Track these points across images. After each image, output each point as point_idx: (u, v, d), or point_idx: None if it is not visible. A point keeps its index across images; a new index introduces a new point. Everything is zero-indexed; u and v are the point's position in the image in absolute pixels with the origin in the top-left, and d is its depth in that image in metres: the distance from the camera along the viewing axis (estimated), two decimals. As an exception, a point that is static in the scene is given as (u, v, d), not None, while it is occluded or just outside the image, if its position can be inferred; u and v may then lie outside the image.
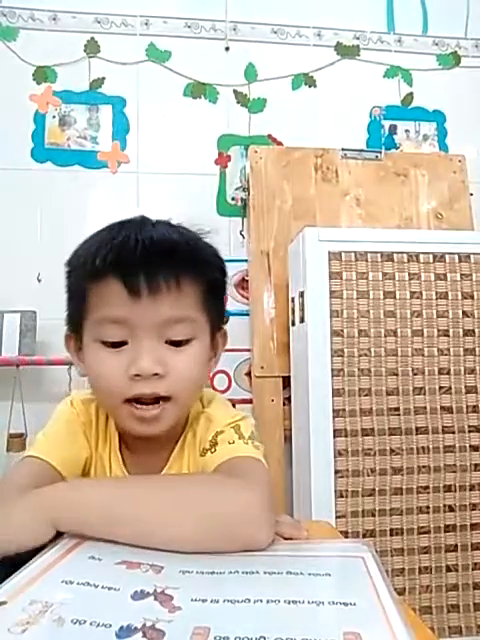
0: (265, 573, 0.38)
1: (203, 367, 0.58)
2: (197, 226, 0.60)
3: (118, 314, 0.53)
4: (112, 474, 0.62)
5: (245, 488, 0.47)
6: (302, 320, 1.48)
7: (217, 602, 0.33)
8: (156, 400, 0.54)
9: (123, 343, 0.54)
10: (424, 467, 1.41)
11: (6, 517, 0.43)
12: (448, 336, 1.46)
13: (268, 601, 0.33)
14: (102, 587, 0.35)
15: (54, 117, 1.81)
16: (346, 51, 1.96)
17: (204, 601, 0.33)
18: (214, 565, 0.39)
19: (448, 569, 1.40)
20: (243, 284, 1.81)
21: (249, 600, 0.33)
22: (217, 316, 0.60)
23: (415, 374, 1.44)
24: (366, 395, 1.41)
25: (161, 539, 0.42)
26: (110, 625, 0.30)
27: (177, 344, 0.55)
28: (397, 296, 1.46)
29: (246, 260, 1.81)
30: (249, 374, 1.76)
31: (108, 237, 0.55)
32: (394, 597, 0.35)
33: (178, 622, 0.31)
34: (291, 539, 0.49)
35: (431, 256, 1.48)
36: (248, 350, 1.76)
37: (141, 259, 0.52)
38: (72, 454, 0.60)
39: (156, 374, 0.53)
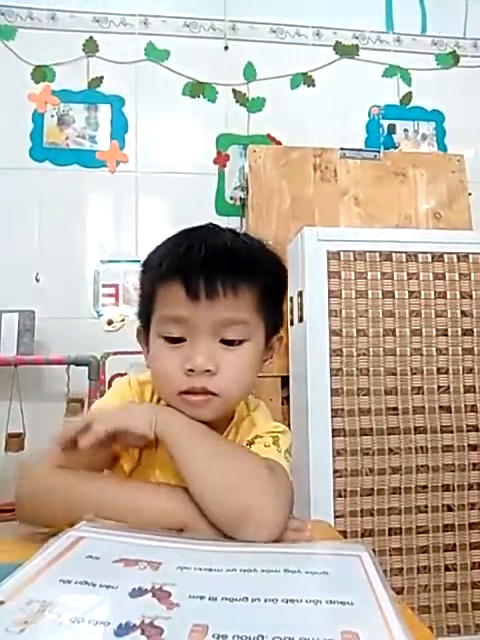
0: (263, 571, 0.38)
1: (253, 368, 0.61)
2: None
3: (179, 313, 0.58)
4: (158, 457, 0.65)
5: (273, 486, 0.52)
6: (301, 319, 1.48)
7: (215, 600, 0.33)
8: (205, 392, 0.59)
9: (182, 340, 0.58)
10: (422, 466, 1.41)
11: (123, 410, 0.58)
12: (447, 335, 1.46)
13: (266, 600, 0.33)
14: (100, 585, 0.35)
15: (53, 116, 1.81)
16: (345, 50, 1.96)
17: (202, 598, 0.33)
18: (211, 562, 0.39)
19: (446, 568, 1.40)
20: (242, 283, 1.81)
21: (247, 598, 0.33)
22: (273, 320, 0.64)
23: (414, 373, 1.44)
24: (365, 394, 1.41)
25: (192, 484, 0.51)
26: (108, 623, 0.30)
27: (230, 343, 0.58)
28: (396, 296, 1.46)
29: (245, 259, 1.81)
30: (248, 373, 1.76)
31: (176, 243, 0.60)
32: (391, 596, 0.35)
33: (176, 619, 0.31)
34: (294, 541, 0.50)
35: (430, 256, 1.48)
36: (247, 349, 1.76)
37: (201, 265, 0.57)
38: None
39: (208, 371, 0.57)
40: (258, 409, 0.69)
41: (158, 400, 0.67)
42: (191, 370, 0.57)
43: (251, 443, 0.62)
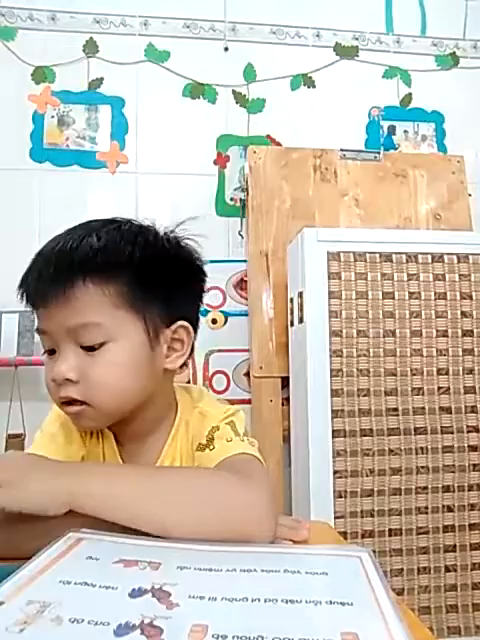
0: (262, 571, 0.38)
1: (127, 370, 0.57)
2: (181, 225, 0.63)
3: (38, 325, 0.59)
4: (101, 446, 0.65)
5: (247, 486, 0.49)
6: (301, 320, 1.48)
7: (215, 600, 0.33)
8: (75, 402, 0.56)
9: (55, 351, 0.58)
10: (423, 467, 1.41)
11: (23, 482, 0.45)
12: (447, 336, 1.46)
13: (266, 600, 0.33)
14: (100, 586, 0.35)
15: (53, 117, 1.81)
16: (345, 52, 1.96)
17: (202, 598, 0.33)
18: (211, 562, 0.39)
19: (447, 569, 1.40)
20: (242, 284, 1.81)
21: (247, 599, 0.33)
22: (157, 311, 0.59)
23: (414, 374, 1.44)
24: (365, 395, 1.41)
25: (170, 534, 0.44)
26: (108, 623, 0.30)
27: (91, 349, 0.55)
28: (396, 296, 1.46)
29: (245, 261, 1.81)
30: (248, 374, 1.76)
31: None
32: (392, 597, 0.35)
33: (176, 619, 0.31)
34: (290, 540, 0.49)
35: (430, 256, 1.48)
36: (247, 350, 1.76)
37: (33, 274, 0.57)
38: (70, 450, 0.63)
39: (68, 380, 0.55)
40: (203, 398, 0.67)
41: None
42: (53, 380, 0.56)
43: (211, 439, 0.59)
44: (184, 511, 0.45)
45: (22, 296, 0.59)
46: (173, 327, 0.61)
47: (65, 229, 0.61)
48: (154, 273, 0.58)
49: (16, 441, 1.52)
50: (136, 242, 0.58)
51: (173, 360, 0.61)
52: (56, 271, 0.55)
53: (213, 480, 0.51)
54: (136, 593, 0.34)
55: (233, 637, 0.29)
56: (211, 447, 0.59)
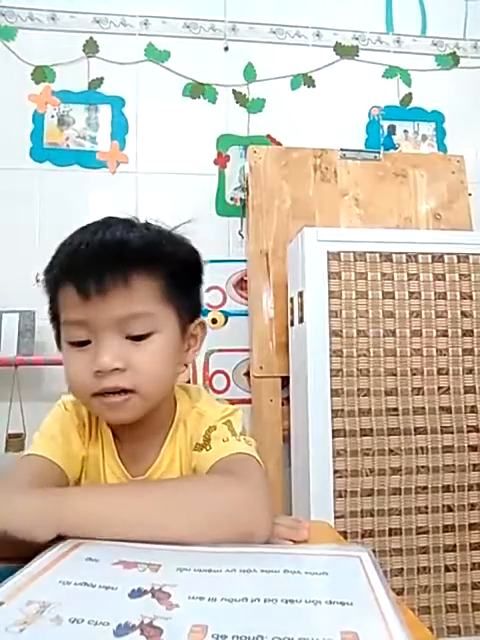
0: (262, 571, 0.38)
1: (168, 360, 0.59)
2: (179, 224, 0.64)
3: (76, 317, 0.56)
4: (107, 467, 0.64)
5: (242, 486, 0.49)
6: (301, 320, 1.48)
7: (214, 600, 0.33)
8: (122, 391, 0.56)
9: (88, 342, 0.56)
10: (423, 467, 1.41)
11: (12, 508, 0.43)
12: (447, 336, 1.46)
13: (266, 600, 0.33)
14: (99, 586, 0.35)
15: (53, 117, 1.81)
16: (345, 51, 1.96)
17: (202, 599, 0.33)
18: (211, 563, 0.39)
19: (447, 569, 1.40)
20: (242, 284, 1.81)
21: (247, 599, 0.33)
22: (186, 307, 0.62)
23: (414, 374, 1.44)
24: (365, 395, 1.41)
25: (162, 540, 0.44)
26: (108, 623, 0.30)
27: (138, 339, 0.56)
28: (396, 296, 1.46)
29: (245, 260, 1.81)
30: (248, 374, 1.76)
31: (66, 243, 0.59)
32: (391, 596, 0.35)
33: (176, 619, 0.31)
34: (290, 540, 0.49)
35: (430, 256, 1.48)
36: (247, 350, 1.76)
37: (89, 262, 0.55)
38: (70, 451, 0.63)
39: (117, 369, 0.55)
40: (201, 398, 0.68)
41: (97, 418, 0.65)
42: (99, 371, 0.55)
43: (208, 439, 0.60)
44: (177, 517, 0.45)
45: (63, 285, 0.56)
46: (195, 322, 0.64)
47: (80, 227, 0.61)
48: (183, 271, 0.60)
49: (16, 441, 1.52)
50: (170, 241, 0.61)
51: (190, 354, 0.64)
52: (116, 261, 0.55)
53: (203, 483, 0.52)
54: (136, 594, 0.34)
55: (233, 637, 0.29)
56: (208, 447, 0.59)
